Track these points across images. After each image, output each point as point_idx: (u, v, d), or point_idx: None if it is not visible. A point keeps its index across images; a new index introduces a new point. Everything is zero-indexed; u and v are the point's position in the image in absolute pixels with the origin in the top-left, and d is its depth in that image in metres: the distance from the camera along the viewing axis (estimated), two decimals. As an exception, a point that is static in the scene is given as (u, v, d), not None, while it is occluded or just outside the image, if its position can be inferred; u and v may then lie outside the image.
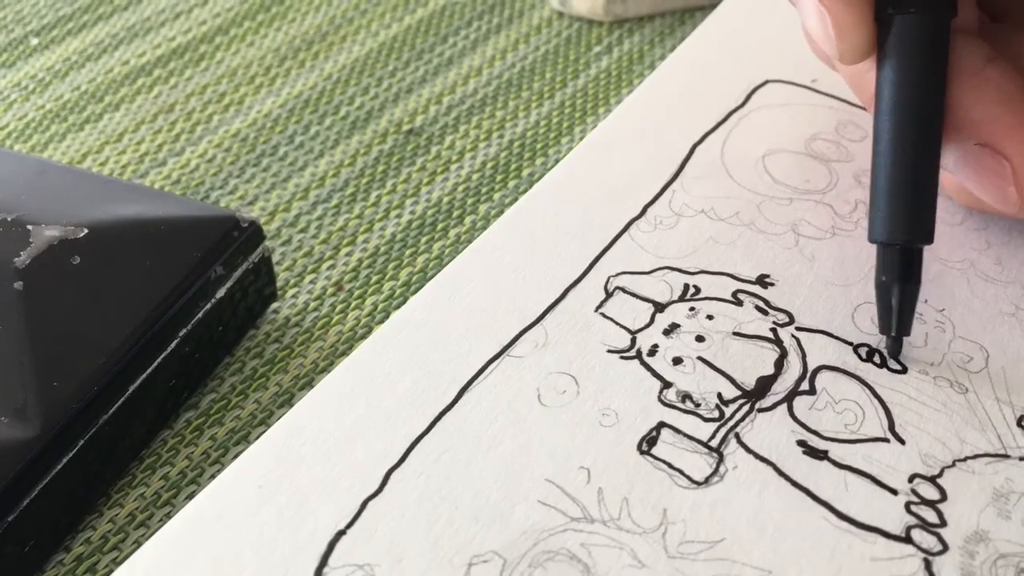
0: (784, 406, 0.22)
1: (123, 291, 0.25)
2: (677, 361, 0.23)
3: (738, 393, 0.23)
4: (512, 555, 0.20)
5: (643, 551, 0.20)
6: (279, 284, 0.30)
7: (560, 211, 0.27)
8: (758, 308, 0.25)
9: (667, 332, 0.24)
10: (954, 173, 0.24)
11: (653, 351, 0.23)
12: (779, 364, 0.23)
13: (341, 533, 0.20)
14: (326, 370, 0.28)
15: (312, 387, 0.23)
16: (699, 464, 0.21)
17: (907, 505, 0.21)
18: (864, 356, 0.23)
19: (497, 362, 0.23)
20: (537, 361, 0.23)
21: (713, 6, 0.39)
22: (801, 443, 0.22)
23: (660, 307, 0.25)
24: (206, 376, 0.28)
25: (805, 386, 0.23)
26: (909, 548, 0.20)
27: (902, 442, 0.22)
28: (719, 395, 0.23)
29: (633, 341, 0.24)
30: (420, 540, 0.20)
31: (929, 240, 0.23)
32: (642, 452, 0.21)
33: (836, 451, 0.22)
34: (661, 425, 0.22)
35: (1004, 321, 0.24)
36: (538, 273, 0.25)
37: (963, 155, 0.23)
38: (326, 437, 0.22)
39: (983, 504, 0.21)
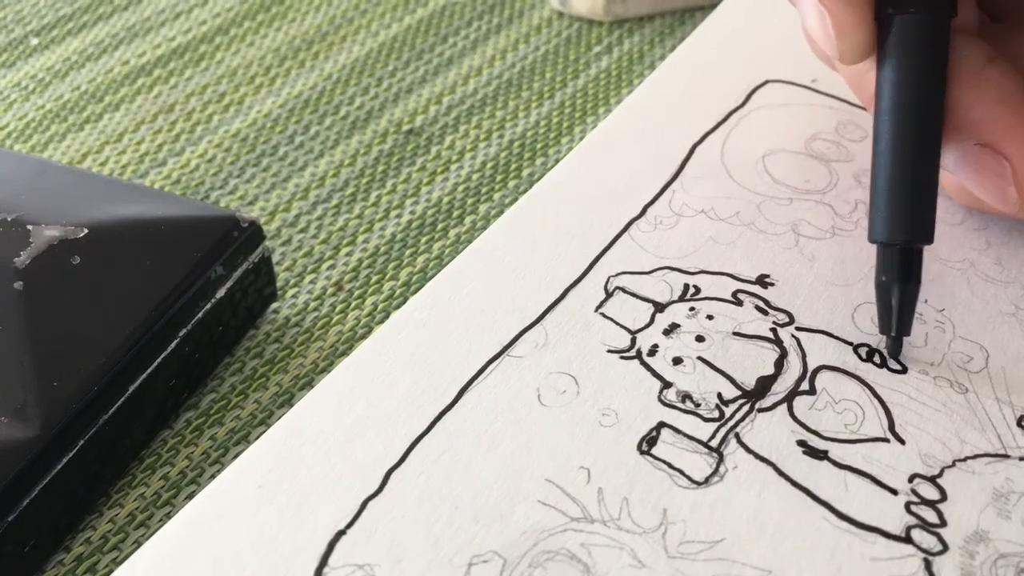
0: (784, 406, 0.22)
1: (123, 291, 0.25)
2: (677, 361, 0.23)
3: (738, 393, 0.23)
4: (512, 555, 0.20)
5: (643, 551, 0.20)
6: (279, 284, 0.30)
7: (560, 211, 0.27)
8: (758, 308, 0.25)
9: (667, 332, 0.24)
10: (954, 173, 0.24)
11: (653, 351, 0.23)
12: (779, 364, 0.23)
13: (341, 533, 0.20)
14: (326, 370, 0.28)
15: (312, 387, 0.23)
16: (699, 464, 0.21)
17: (907, 505, 0.21)
18: (864, 356, 0.23)
19: (497, 362, 0.23)
20: (537, 361, 0.23)
21: (713, 6, 0.39)
22: (801, 443, 0.22)
23: (660, 307, 0.25)
24: (206, 376, 0.28)
25: (805, 386, 0.23)
26: (909, 548, 0.20)
27: (902, 442, 0.22)
28: (719, 395, 0.23)
29: (633, 341, 0.24)
30: (420, 540, 0.20)
31: (929, 240, 0.23)
32: (642, 452, 0.21)
33: (836, 451, 0.22)
34: (661, 425, 0.22)
35: (1004, 321, 0.24)
36: (538, 273, 0.25)
37: (963, 155, 0.23)
38: (326, 437, 0.22)
39: (983, 504, 0.21)
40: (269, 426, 0.23)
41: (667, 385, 0.23)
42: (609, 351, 0.23)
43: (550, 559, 0.20)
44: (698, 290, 0.25)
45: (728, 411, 0.22)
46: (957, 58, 0.23)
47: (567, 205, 0.27)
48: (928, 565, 0.20)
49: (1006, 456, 0.22)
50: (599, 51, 0.40)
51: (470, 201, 0.33)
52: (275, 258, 0.31)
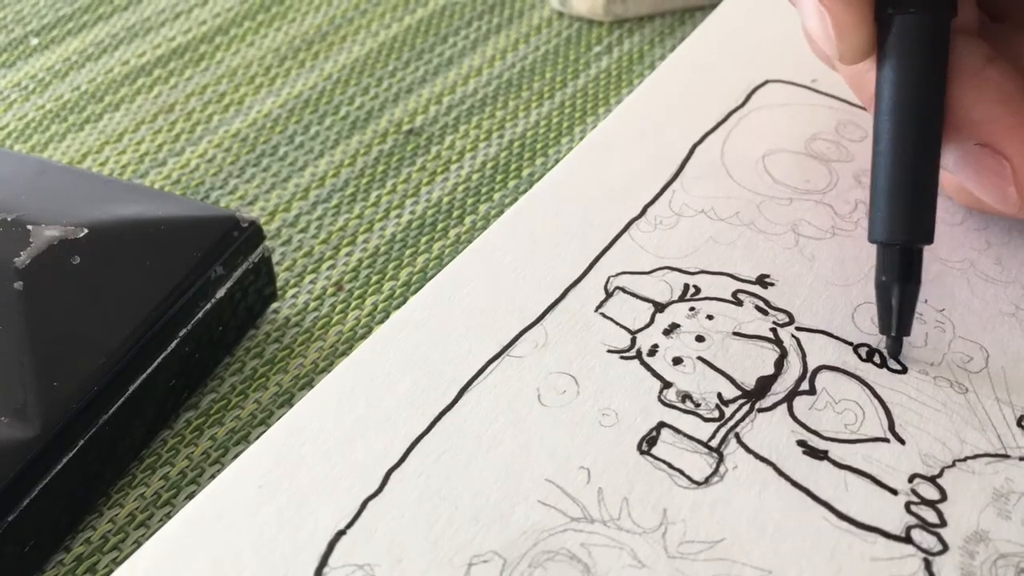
0: (784, 406, 0.22)
1: (123, 291, 0.25)
2: (677, 361, 0.23)
3: (738, 393, 0.23)
4: (512, 555, 0.20)
5: (643, 551, 0.20)
6: (279, 284, 0.30)
7: (560, 211, 0.27)
8: (758, 308, 0.25)
9: (667, 332, 0.24)
10: (954, 173, 0.24)
11: (653, 351, 0.23)
12: (779, 364, 0.23)
13: (341, 533, 0.20)
14: (326, 370, 0.28)
15: (312, 387, 0.23)
16: (699, 464, 0.21)
17: (907, 505, 0.21)
18: (864, 356, 0.23)
19: (497, 362, 0.23)
20: (537, 361, 0.23)
21: (713, 6, 0.39)
22: (801, 443, 0.22)
23: (660, 307, 0.25)
24: (206, 376, 0.28)
25: (805, 386, 0.23)
26: (909, 548, 0.20)
27: (902, 442, 0.22)
28: (719, 395, 0.23)
29: (633, 341, 0.24)
30: (420, 540, 0.20)
31: (929, 240, 0.23)
32: (642, 452, 0.21)
33: (836, 451, 0.22)
34: (661, 425, 0.22)
35: (1004, 321, 0.24)
36: (538, 273, 0.25)
37: (963, 155, 0.23)
38: (326, 437, 0.22)
39: (983, 504, 0.21)
40: (269, 426, 0.23)
41: (667, 385, 0.23)
42: (609, 351, 0.23)
43: (550, 559, 0.20)
44: (698, 290, 0.25)
45: (728, 411, 0.22)
46: (957, 58, 0.23)
47: (567, 205, 0.27)
48: (928, 565, 0.20)
49: (1006, 456, 0.22)
50: (599, 51, 0.40)
51: (470, 201, 0.33)
52: (275, 258, 0.31)
